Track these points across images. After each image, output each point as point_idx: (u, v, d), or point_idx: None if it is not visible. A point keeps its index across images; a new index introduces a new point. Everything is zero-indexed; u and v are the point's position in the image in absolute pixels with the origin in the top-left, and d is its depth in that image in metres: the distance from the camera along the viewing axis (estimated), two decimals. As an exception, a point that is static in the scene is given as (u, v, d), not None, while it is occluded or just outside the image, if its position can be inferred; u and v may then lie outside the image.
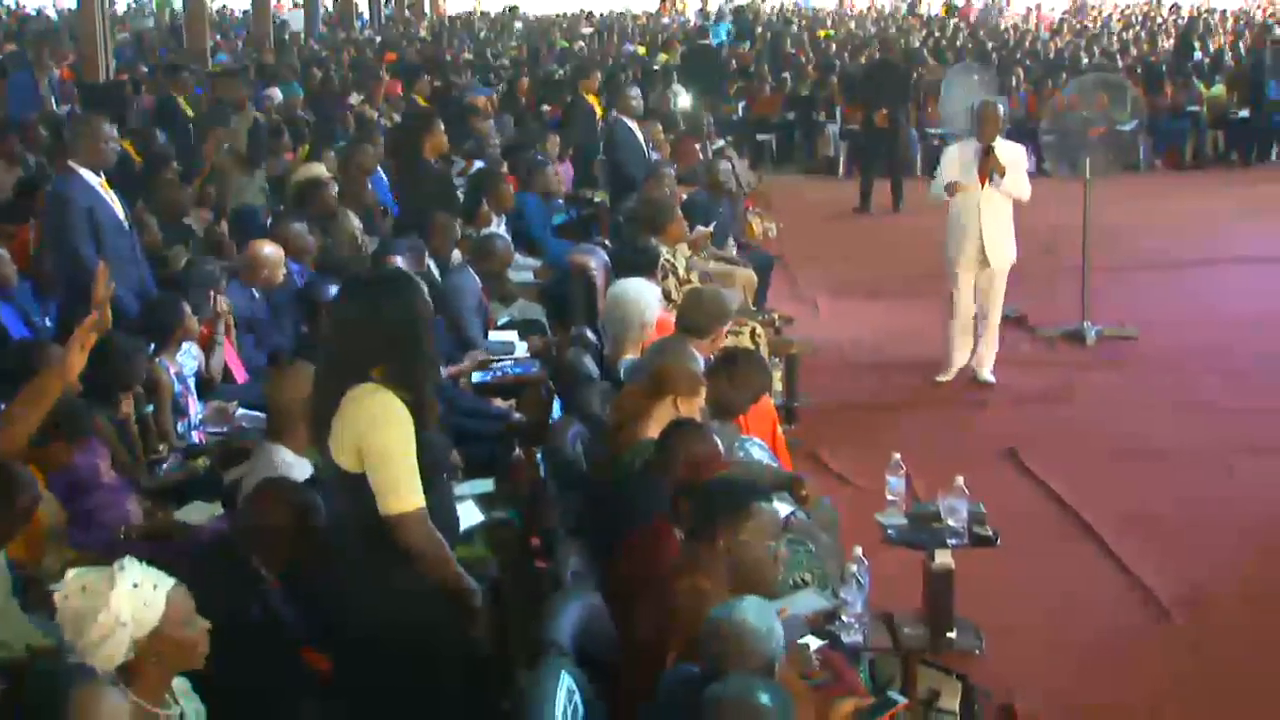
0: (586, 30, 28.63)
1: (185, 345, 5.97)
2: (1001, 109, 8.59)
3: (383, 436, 3.35)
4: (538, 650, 3.35)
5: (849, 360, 9.36)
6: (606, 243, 8.38)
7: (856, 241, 13.78)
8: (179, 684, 3.13)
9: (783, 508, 4.78)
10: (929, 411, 8.32)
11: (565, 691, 3.10)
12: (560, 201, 10.70)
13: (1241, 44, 20.49)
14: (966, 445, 7.51)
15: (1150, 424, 7.92)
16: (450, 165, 9.44)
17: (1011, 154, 8.38)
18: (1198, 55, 20.15)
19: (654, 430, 4.50)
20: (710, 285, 6.68)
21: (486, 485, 5.24)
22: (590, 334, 6.34)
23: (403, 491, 3.35)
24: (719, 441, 4.66)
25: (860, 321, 10.42)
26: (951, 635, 5.12)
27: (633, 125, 10.64)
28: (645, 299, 5.74)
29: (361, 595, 3.49)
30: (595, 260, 7.61)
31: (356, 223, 8.24)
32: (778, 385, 7.98)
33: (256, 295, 6.84)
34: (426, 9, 34.88)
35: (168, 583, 3.02)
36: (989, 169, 8.21)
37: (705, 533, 3.50)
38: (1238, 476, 7.07)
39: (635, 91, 11.14)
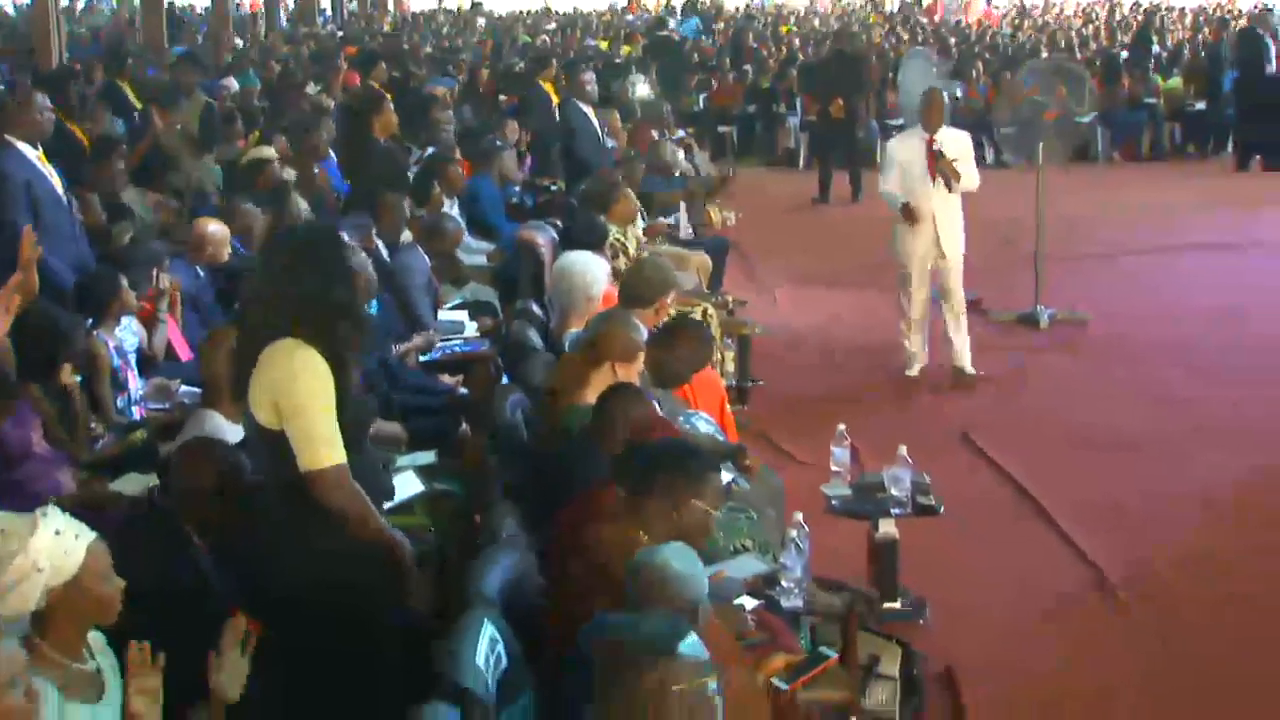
0: (550, 25, 28.57)
1: (125, 321, 5.89)
2: (947, 97, 8.59)
3: (300, 391, 3.30)
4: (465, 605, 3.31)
5: (804, 345, 9.38)
6: (558, 223, 8.33)
7: (815, 232, 13.79)
8: (96, 640, 3.08)
9: (724, 475, 4.76)
10: (883, 395, 8.32)
11: (488, 640, 3.07)
12: (517, 189, 10.67)
13: (1200, 38, 20.62)
14: (919, 427, 7.49)
15: (1102, 407, 7.95)
16: (408, 152, 9.36)
17: (959, 144, 8.25)
18: (1155, 49, 20.28)
19: (592, 396, 4.47)
20: (654, 255, 6.63)
21: (428, 457, 5.20)
22: (537, 308, 6.30)
23: (321, 447, 3.30)
24: (659, 408, 4.65)
25: (817, 309, 10.44)
26: (895, 605, 5.16)
27: (587, 110, 10.59)
28: (592, 272, 5.71)
29: (286, 556, 3.43)
30: (543, 236, 7.57)
31: (304, 205, 8.17)
32: (729, 366, 7.99)
33: (201, 274, 6.77)
34: (390, 5, 34.74)
35: (89, 535, 2.99)
36: (942, 171, 8.05)
37: (645, 488, 3.47)
38: (1188, 457, 7.08)
39: (589, 76, 11.08)
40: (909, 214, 8.11)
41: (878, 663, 4.68)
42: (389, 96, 8.23)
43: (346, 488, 3.34)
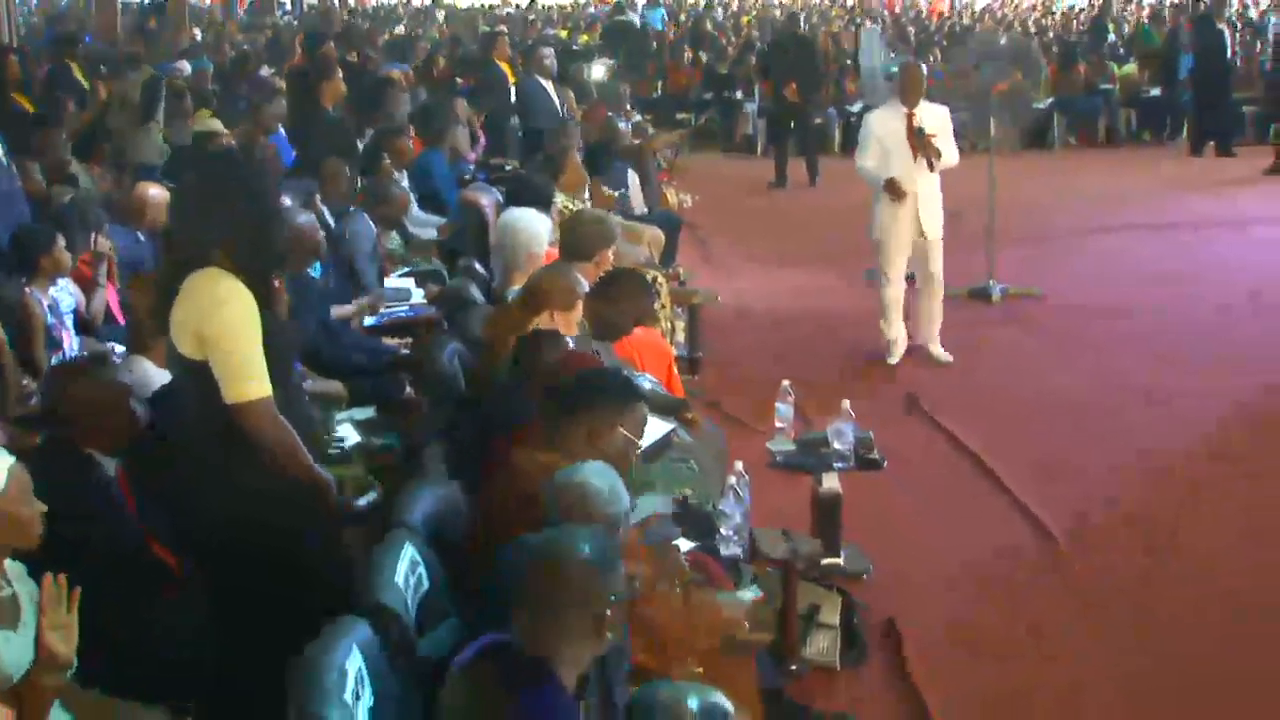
0: (508, 10, 28.51)
1: (62, 282, 5.80)
2: (924, 69, 8.47)
3: (224, 319, 3.22)
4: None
5: (756, 318, 9.39)
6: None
7: (771, 215, 13.79)
8: (12, 568, 3.03)
9: (665, 425, 4.74)
10: (834, 366, 8.29)
11: (408, 561, 3.03)
12: (471, 168, 10.60)
13: (1156, 24, 20.73)
14: (870, 394, 7.49)
15: (1051, 376, 7.98)
16: (359, 133, 9.28)
17: (937, 119, 7.97)
18: (1111, 38, 20.38)
19: (530, 343, 4.42)
20: (593, 209, 6.58)
21: (368, 412, 5.15)
22: (480, 267, 6.25)
23: (247, 378, 3.23)
24: (602, 358, 4.61)
25: (771, 285, 10.45)
26: (838, 560, 5.13)
27: (546, 84, 10.54)
28: (534, 228, 5.65)
29: (211, 491, 3.36)
30: (487, 198, 7.52)
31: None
32: (680, 336, 7.96)
33: (142, 238, 6.68)
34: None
35: (9, 459, 2.99)
36: (923, 148, 7.81)
37: (568, 413, 3.43)
38: (1132, 422, 7.12)
39: (548, 51, 11.05)
40: (894, 189, 7.78)
41: (818, 611, 4.69)
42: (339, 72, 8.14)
43: (272, 419, 3.26)
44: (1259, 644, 4.78)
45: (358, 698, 2.55)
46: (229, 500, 3.32)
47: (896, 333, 8.20)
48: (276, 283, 3.40)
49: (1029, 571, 5.44)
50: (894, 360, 8.18)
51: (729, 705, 2.39)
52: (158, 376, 4.23)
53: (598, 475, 3.01)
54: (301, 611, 3.30)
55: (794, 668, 4.52)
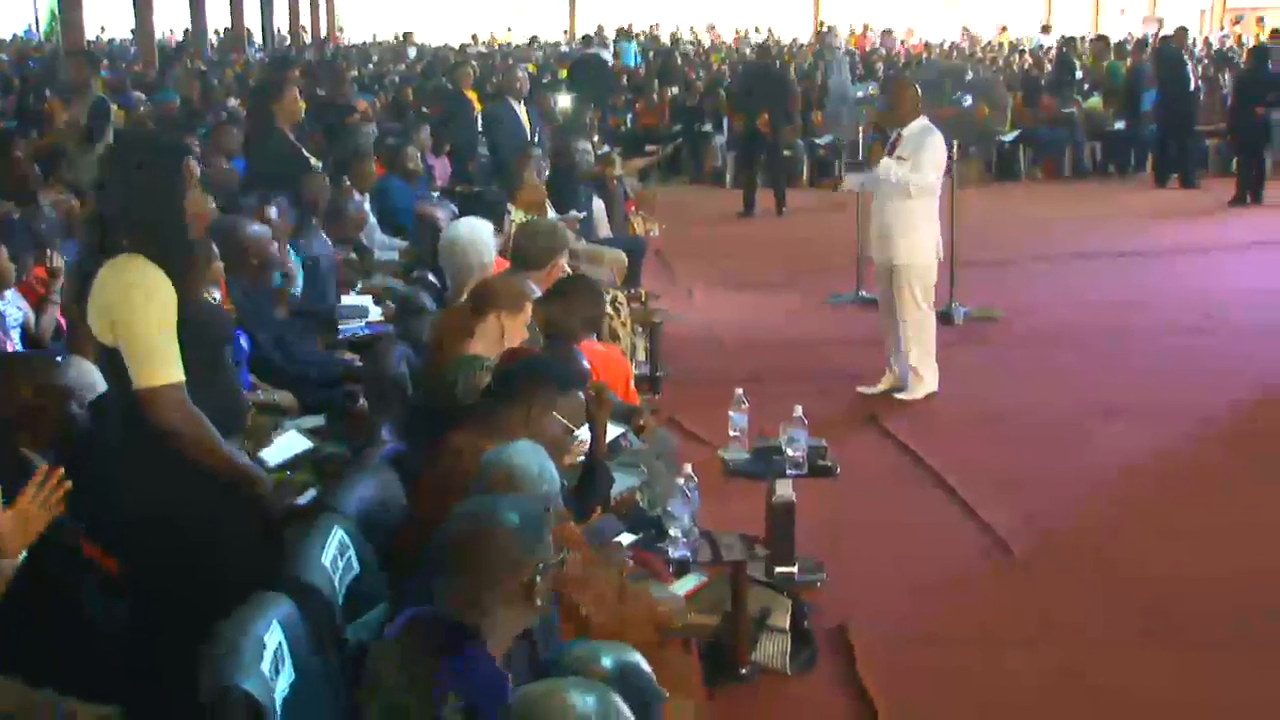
0: (480, 49, 28.63)
1: (9, 295, 5.75)
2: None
3: (132, 304, 3.15)
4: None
5: (718, 340, 9.39)
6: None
7: (737, 242, 13.83)
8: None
9: (616, 429, 4.72)
10: (795, 385, 8.25)
11: (336, 544, 2.98)
12: (435, 195, 10.59)
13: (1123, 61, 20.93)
14: (830, 410, 7.48)
15: (1008, 391, 8.03)
16: (302, 132, 9.27)
17: (913, 141, 7.60)
18: (1079, 74, 20.55)
19: (477, 347, 4.40)
20: (545, 219, 6.57)
21: (318, 420, 5.11)
22: (434, 278, 6.23)
23: (155, 364, 3.13)
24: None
25: (734, 307, 10.48)
26: (792, 569, 5.09)
27: (517, 106, 10.55)
28: (481, 238, 5.62)
29: (125, 480, 3.27)
30: (442, 211, 7.53)
31: (211, 204, 8.06)
32: (641, 355, 7.96)
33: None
34: (323, 32, 34.63)
35: None
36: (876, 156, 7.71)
37: (504, 395, 3.40)
38: (1089, 437, 7.14)
39: (522, 73, 11.08)
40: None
41: (769, 615, 4.65)
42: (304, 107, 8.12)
43: (181, 409, 3.16)
44: (1215, 654, 4.76)
45: (277, 672, 2.50)
46: (143, 489, 3.24)
47: (932, 372, 7.81)
48: (201, 269, 3.32)
49: (982, 579, 5.42)
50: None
51: (646, 665, 2.35)
52: (96, 377, 4.18)
53: (527, 454, 2.98)
54: (221, 604, 3.23)
55: (744, 672, 4.49)
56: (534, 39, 32.41)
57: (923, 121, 7.71)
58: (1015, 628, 5.00)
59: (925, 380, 7.79)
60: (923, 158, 7.54)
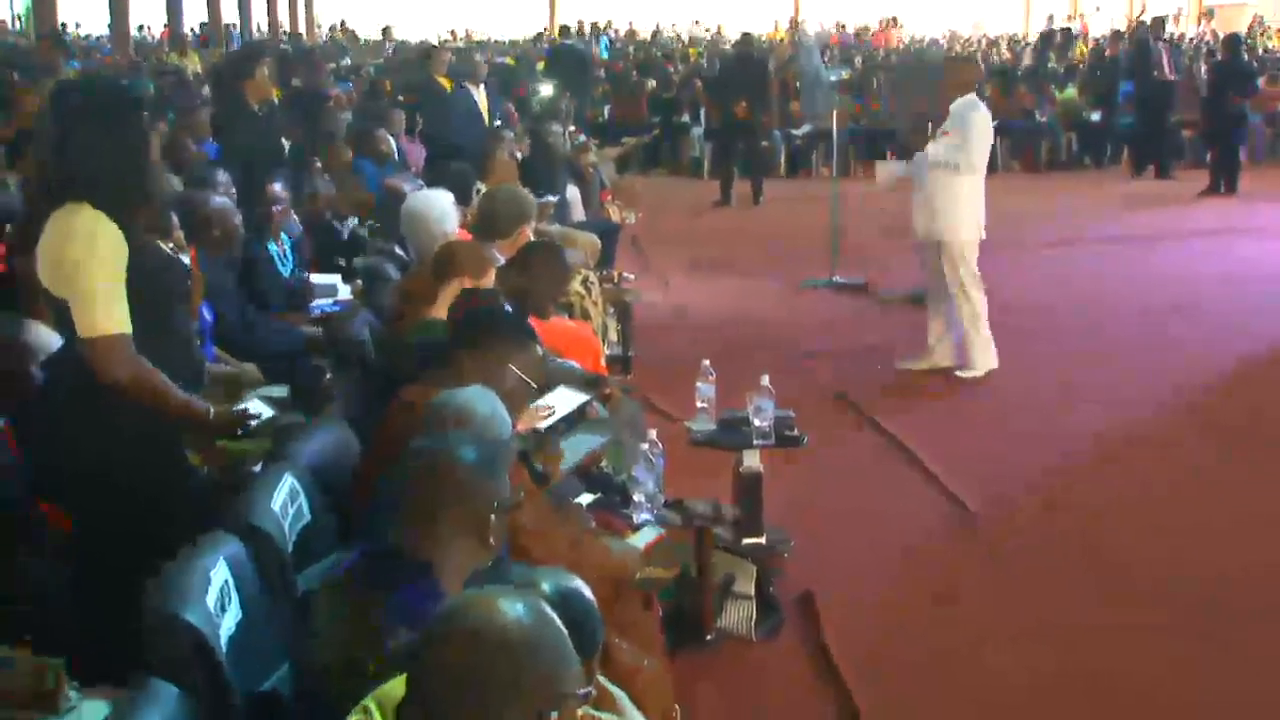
0: (458, 43, 28.57)
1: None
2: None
3: (77, 252, 3.08)
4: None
5: (691, 322, 9.40)
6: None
7: (713, 230, 13.85)
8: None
9: (581, 396, 4.69)
10: (765, 362, 8.24)
11: (287, 490, 2.95)
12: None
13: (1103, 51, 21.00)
14: (801, 387, 7.46)
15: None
16: (272, 110, 9.22)
17: (955, 118, 7.62)
18: (1052, 64, 20.63)
19: (440, 312, 4.38)
20: (509, 186, 6.52)
21: (281, 390, 5.07)
22: (400, 250, 6.20)
23: (99, 314, 3.06)
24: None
25: (709, 293, 10.48)
26: (760, 540, 5.08)
27: (475, 92, 10.51)
28: (441, 206, 5.58)
29: (72, 430, 3.21)
30: (409, 185, 7.46)
31: (177, 184, 8.01)
32: (613, 336, 7.94)
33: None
34: (301, 29, 34.53)
35: None
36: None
37: (462, 343, 3.37)
38: (1059, 416, 7.17)
39: (480, 59, 11.03)
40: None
41: (734, 582, 4.64)
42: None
43: (126, 359, 3.09)
44: (1180, 627, 4.76)
45: (223, 610, 2.47)
46: (90, 439, 3.19)
47: (987, 350, 7.79)
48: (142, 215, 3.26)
49: (947, 547, 5.43)
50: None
51: (587, 590, 2.33)
52: (52, 339, 4.14)
53: (479, 399, 2.96)
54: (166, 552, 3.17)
55: (709, 638, 4.47)
56: (514, 42, 32.40)
57: (971, 98, 7.68)
58: (980, 593, 5.00)
59: (984, 357, 7.78)
60: (971, 134, 7.55)
